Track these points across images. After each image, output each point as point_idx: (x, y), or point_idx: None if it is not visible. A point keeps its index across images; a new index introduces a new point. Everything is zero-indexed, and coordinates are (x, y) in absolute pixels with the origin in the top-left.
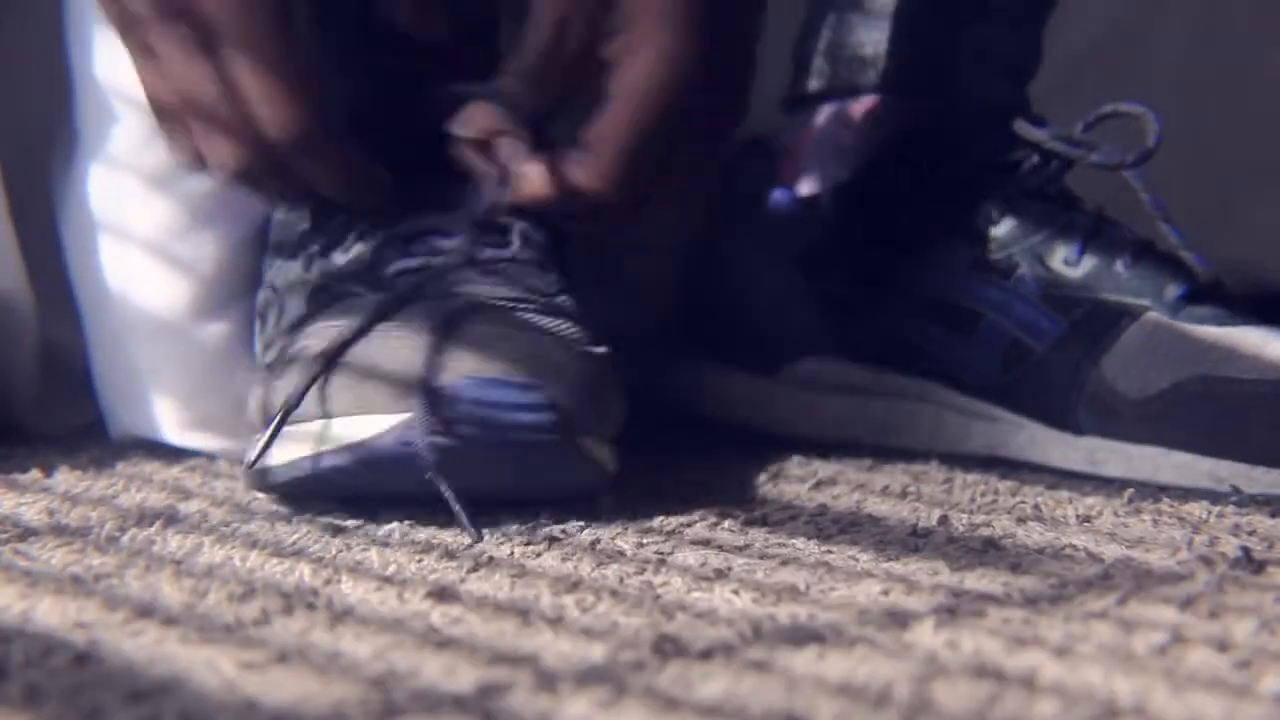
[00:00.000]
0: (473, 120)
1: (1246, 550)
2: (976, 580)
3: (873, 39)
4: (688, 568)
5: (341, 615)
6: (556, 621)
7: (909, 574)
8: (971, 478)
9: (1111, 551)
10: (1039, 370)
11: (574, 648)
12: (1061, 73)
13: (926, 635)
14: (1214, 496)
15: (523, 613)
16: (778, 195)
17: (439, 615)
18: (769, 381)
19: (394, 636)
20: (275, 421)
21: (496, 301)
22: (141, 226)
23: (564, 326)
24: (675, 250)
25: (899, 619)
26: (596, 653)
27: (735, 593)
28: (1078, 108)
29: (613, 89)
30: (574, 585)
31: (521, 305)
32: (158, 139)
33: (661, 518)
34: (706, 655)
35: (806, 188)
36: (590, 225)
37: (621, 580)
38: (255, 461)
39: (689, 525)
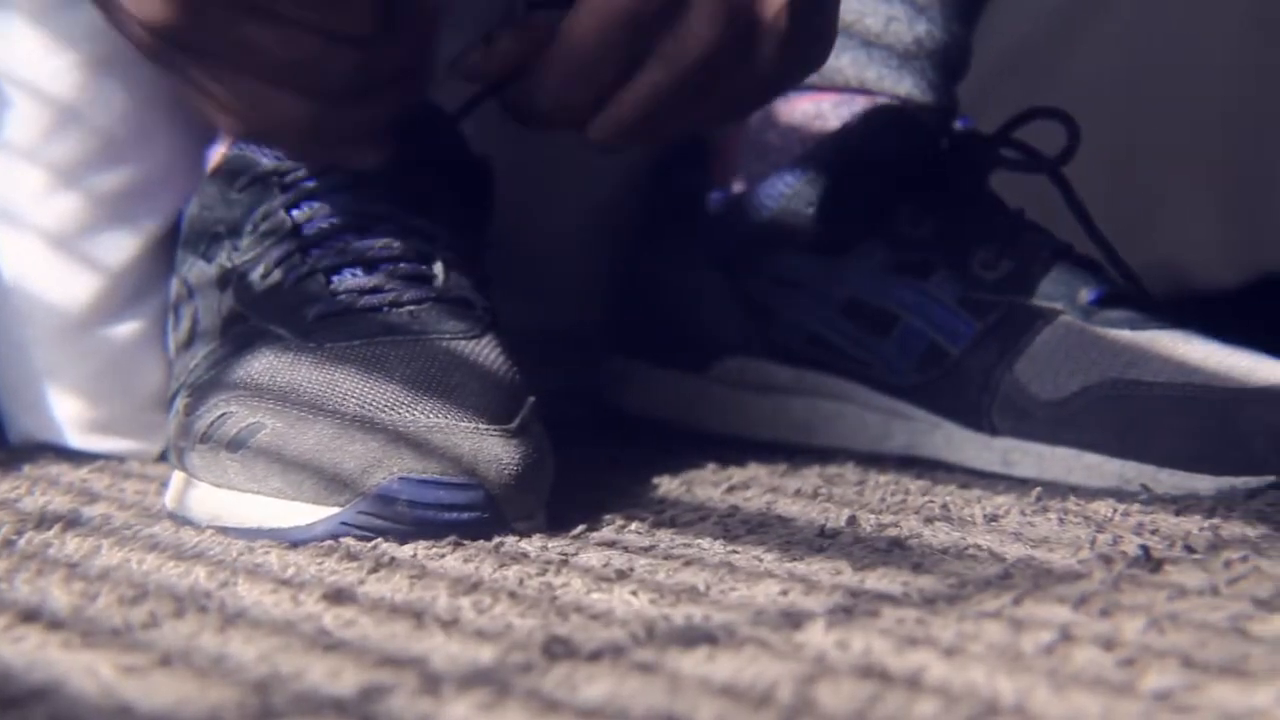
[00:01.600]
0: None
1: (1146, 549)
2: (877, 580)
3: None
4: (589, 569)
5: (233, 618)
6: (450, 623)
7: (810, 574)
8: (885, 478)
9: (1015, 551)
10: (954, 372)
11: (464, 650)
12: (990, 75)
13: (818, 635)
14: (1122, 496)
15: (417, 615)
16: (707, 194)
17: (332, 617)
18: (694, 380)
19: (282, 639)
20: None
21: (427, 357)
22: (44, 222)
23: (492, 370)
24: (603, 249)
25: (793, 619)
26: (485, 655)
27: (634, 594)
28: (1006, 111)
29: (658, 51)
30: (473, 587)
31: (446, 353)
32: (63, 131)
33: (572, 519)
34: (595, 657)
35: (736, 187)
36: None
37: (521, 582)
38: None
39: (597, 527)
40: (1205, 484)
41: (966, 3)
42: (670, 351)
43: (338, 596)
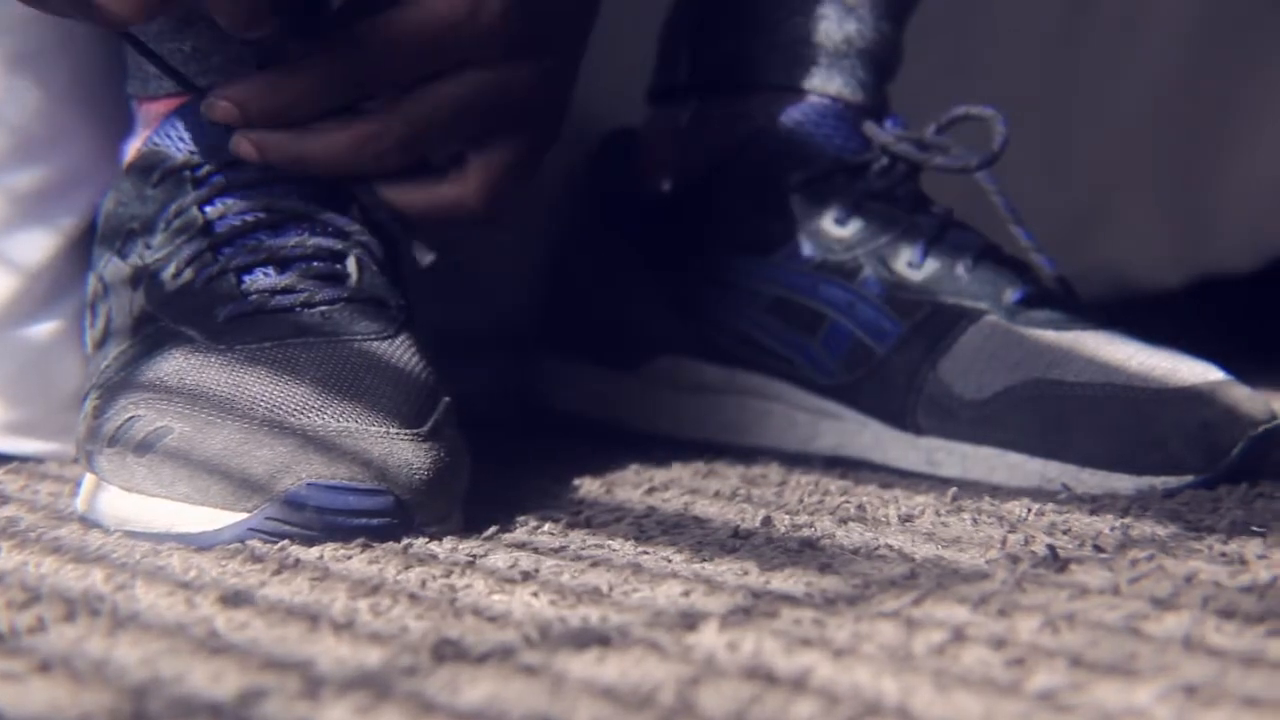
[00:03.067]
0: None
1: (1053, 549)
2: (783, 581)
3: (735, 34)
4: (495, 570)
5: (124, 621)
6: (345, 626)
7: (716, 575)
8: (806, 479)
9: (925, 551)
10: (880, 371)
11: (353, 652)
12: (929, 78)
13: (709, 637)
14: (1040, 495)
15: (313, 617)
16: (635, 191)
17: (225, 620)
18: (624, 379)
19: (169, 642)
20: None
21: (339, 359)
22: None
23: (405, 371)
24: (535, 247)
25: (688, 621)
26: (373, 657)
27: (535, 595)
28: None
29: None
30: (374, 589)
31: (358, 355)
32: None
33: (488, 520)
34: (483, 659)
35: (666, 184)
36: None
37: (424, 584)
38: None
39: (511, 528)
40: (1125, 484)
41: (896, 2)
42: (601, 350)
43: (235, 599)
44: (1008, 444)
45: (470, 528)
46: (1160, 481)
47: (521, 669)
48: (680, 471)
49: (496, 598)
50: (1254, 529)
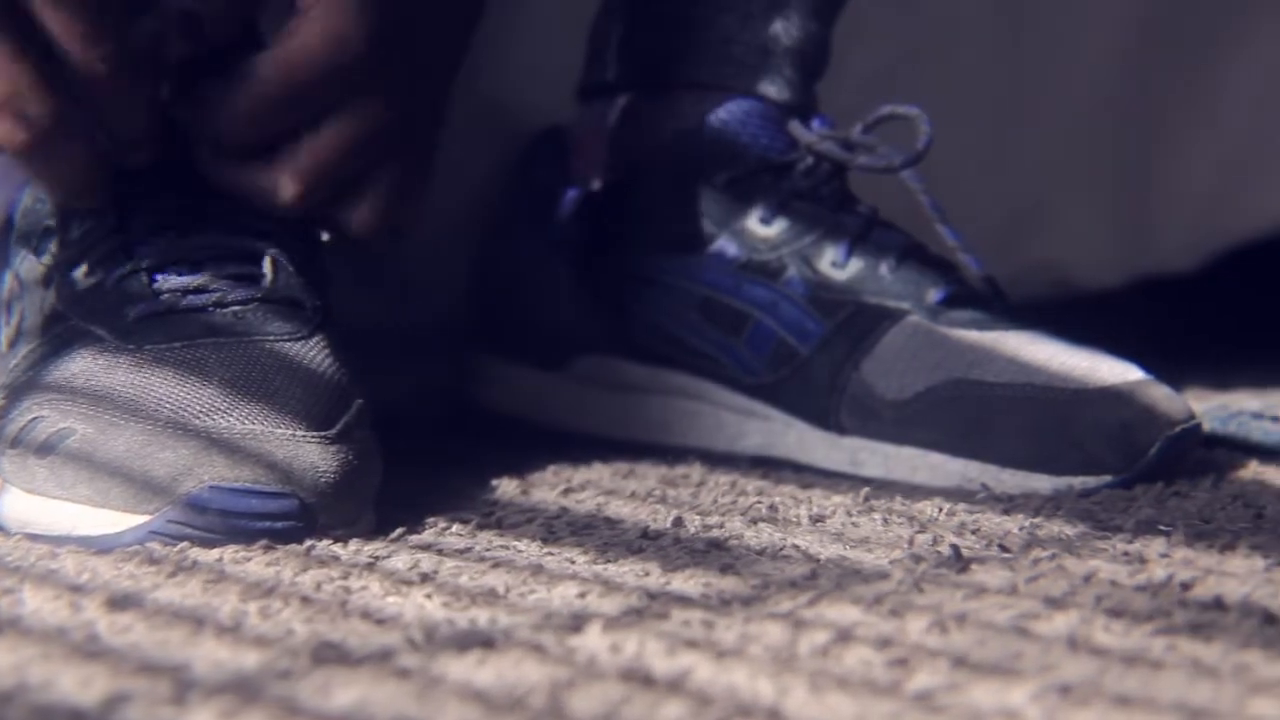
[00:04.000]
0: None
1: (956, 549)
2: (683, 582)
3: (663, 32)
4: (393, 572)
5: (2, 627)
6: (230, 629)
7: (616, 576)
8: (725, 479)
9: (832, 551)
10: (804, 371)
11: (232, 656)
12: (868, 80)
13: (593, 639)
14: (954, 495)
15: (198, 621)
16: (564, 189)
17: (108, 624)
18: (551, 378)
19: (44, 648)
20: None
21: (249, 361)
22: None
23: (316, 373)
24: (465, 245)
25: (576, 623)
26: (250, 661)
27: (429, 597)
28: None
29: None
30: (267, 592)
31: (269, 356)
32: None
33: (399, 521)
34: (361, 662)
35: (595, 182)
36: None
37: (319, 586)
38: None
39: (420, 529)
40: (1044, 484)
41: (824, 2)
42: (528, 349)
43: (123, 602)
44: (929, 444)
45: (381, 529)
46: (1079, 482)
47: (397, 672)
48: (600, 472)
49: (390, 600)
50: (1161, 528)
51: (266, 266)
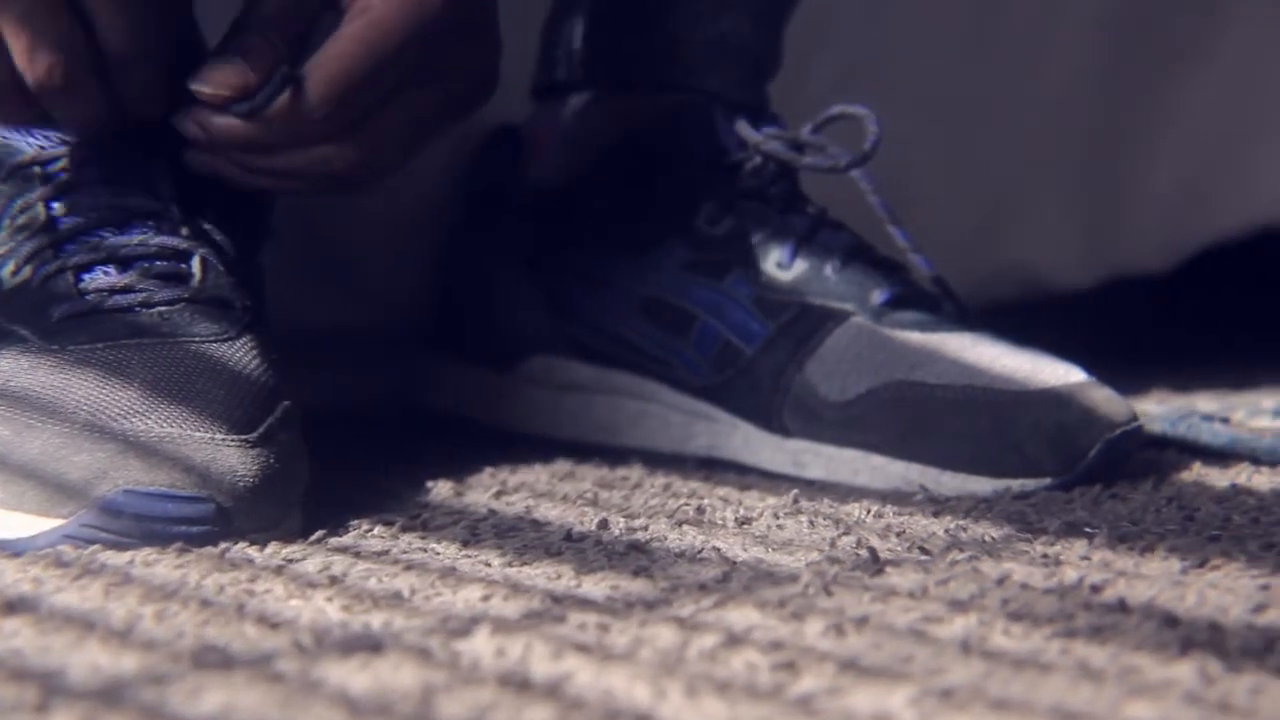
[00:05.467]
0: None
1: (874, 551)
2: (592, 584)
3: (613, 32)
4: (302, 575)
5: None
6: (119, 633)
7: (526, 579)
8: (661, 481)
9: (753, 554)
10: (748, 372)
11: (112, 661)
12: (834, 81)
13: (481, 643)
14: (888, 497)
15: (89, 625)
16: (516, 188)
17: None
18: (500, 379)
19: None
20: None
21: (172, 362)
22: None
23: (241, 374)
24: (419, 245)
25: (467, 627)
26: (129, 665)
27: (329, 600)
28: (854, 119)
29: (347, 19)
30: (168, 595)
31: (193, 357)
32: None
33: (327, 522)
34: (241, 666)
35: (546, 182)
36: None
37: (221, 589)
38: None
39: (342, 531)
40: (984, 486)
41: (775, 1)
42: (477, 349)
43: (15, 607)
44: (870, 446)
45: (306, 531)
46: (1018, 484)
47: (273, 676)
48: (539, 473)
49: (292, 603)
50: (1086, 530)
51: (195, 266)
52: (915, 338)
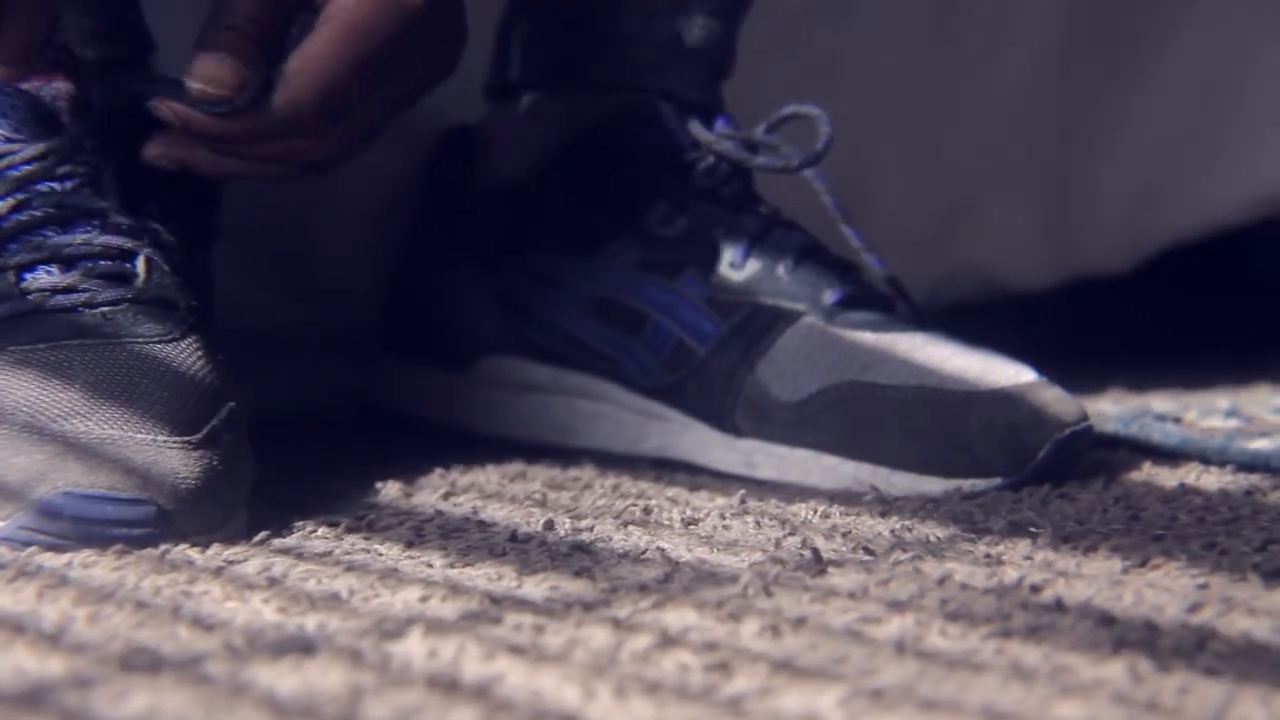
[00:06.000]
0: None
1: (816, 551)
2: (533, 586)
3: (567, 31)
4: (241, 577)
5: None
6: (50, 637)
7: (467, 580)
8: (610, 482)
9: (697, 554)
10: (701, 372)
11: (39, 664)
12: (792, 81)
13: (413, 644)
14: (838, 497)
15: (19, 628)
16: (470, 188)
17: None
18: (455, 379)
19: None
20: None
21: (114, 363)
22: None
23: (185, 375)
24: (376, 246)
25: (401, 628)
26: (55, 668)
27: (266, 602)
28: (808, 119)
29: (324, 18)
30: (104, 597)
31: (136, 358)
32: None
33: (272, 522)
34: (169, 669)
35: (501, 182)
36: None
37: (158, 591)
38: None
39: (286, 532)
40: (934, 486)
41: (729, 1)
42: (432, 349)
43: None
44: (822, 446)
45: (255, 531)
46: (968, 484)
47: (200, 679)
48: (490, 474)
49: (229, 605)
50: (1031, 530)
51: (140, 266)
52: (867, 338)
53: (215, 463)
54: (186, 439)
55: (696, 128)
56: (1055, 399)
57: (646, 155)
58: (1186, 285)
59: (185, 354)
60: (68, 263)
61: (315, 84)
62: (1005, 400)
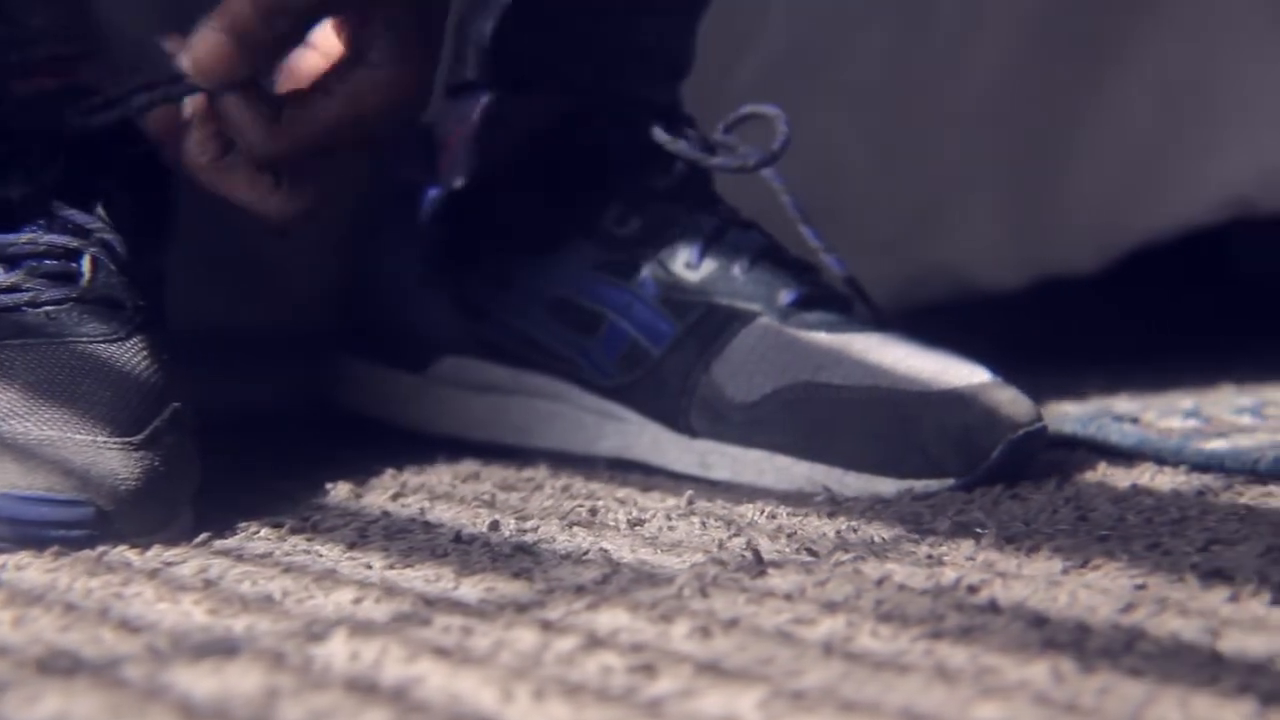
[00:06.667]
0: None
1: (757, 552)
2: (470, 587)
3: (523, 31)
4: (176, 579)
5: None
6: None
7: (404, 581)
8: (562, 483)
9: (640, 556)
10: (655, 373)
11: None
12: (758, 81)
13: (337, 646)
14: (789, 498)
15: None
16: (428, 188)
17: None
18: (413, 380)
19: None
20: None
21: (56, 363)
22: None
23: (129, 376)
24: (332, 246)
25: (327, 630)
26: None
27: (197, 603)
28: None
29: (335, 86)
30: (33, 599)
31: (79, 358)
32: None
33: (217, 523)
34: (86, 672)
35: (458, 181)
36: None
37: (89, 593)
38: None
39: (229, 534)
40: (888, 487)
41: (687, 1)
42: (391, 350)
43: None
44: (776, 447)
45: (200, 532)
46: (921, 485)
47: (116, 682)
48: (442, 475)
49: (160, 607)
50: (977, 530)
51: (85, 266)
52: (821, 338)
53: (157, 464)
54: (127, 439)
55: (653, 128)
56: (1009, 399)
57: (603, 156)
58: (1157, 286)
59: (130, 354)
60: (12, 262)
61: (305, 140)
62: (959, 401)
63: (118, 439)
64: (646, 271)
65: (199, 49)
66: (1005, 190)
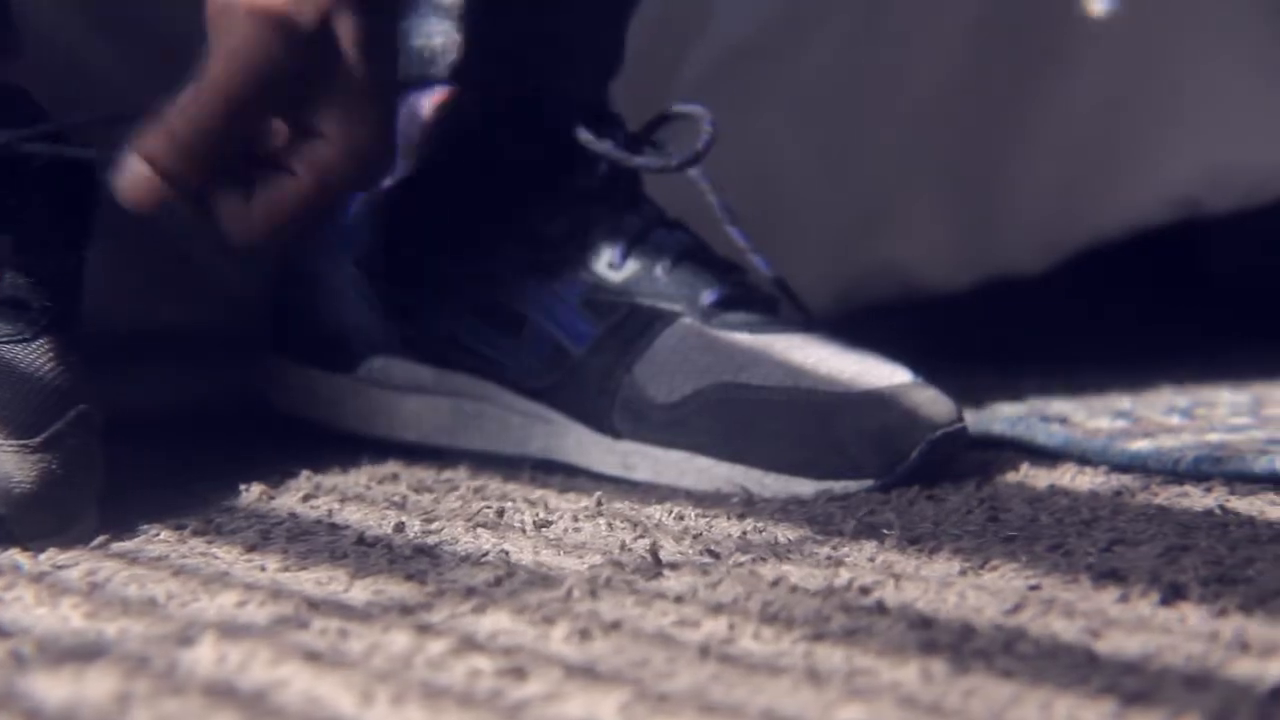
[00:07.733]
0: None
1: (655, 554)
2: (360, 589)
3: (443, 28)
4: (60, 582)
5: None
6: None
7: (293, 584)
8: (478, 484)
9: (540, 557)
10: (577, 374)
11: None
12: (709, 78)
13: (205, 650)
14: (706, 499)
15: None
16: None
17: None
18: (342, 380)
19: None
20: None
21: None
22: None
23: (30, 377)
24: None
25: (198, 634)
26: None
27: (76, 608)
28: (729, 115)
29: (303, 161)
30: None
31: None
32: None
33: (121, 526)
34: None
35: (386, 183)
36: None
37: None
38: None
39: (129, 536)
40: (807, 488)
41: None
42: (318, 350)
43: None
44: (696, 448)
45: (103, 534)
46: (840, 486)
47: None
48: (360, 476)
49: (38, 611)
50: (884, 531)
51: None
52: (743, 339)
53: (54, 467)
54: (24, 442)
55: (578, 128)
56: (929, 400)
57: (529, 155)
58: (1104, 286)
59: (34, 355)
60: None
61: (279, 220)
62: (878, 401)
63: (14, 441)
64: (570, 272)
65: (124, 180)
66: (951, 190)
